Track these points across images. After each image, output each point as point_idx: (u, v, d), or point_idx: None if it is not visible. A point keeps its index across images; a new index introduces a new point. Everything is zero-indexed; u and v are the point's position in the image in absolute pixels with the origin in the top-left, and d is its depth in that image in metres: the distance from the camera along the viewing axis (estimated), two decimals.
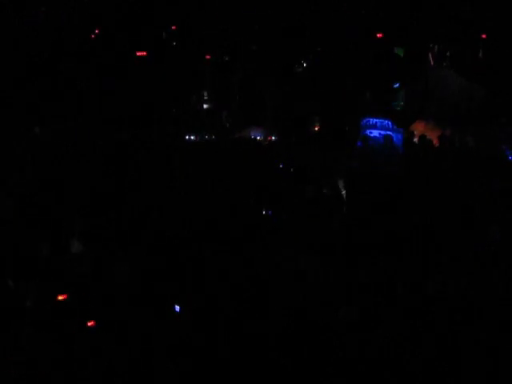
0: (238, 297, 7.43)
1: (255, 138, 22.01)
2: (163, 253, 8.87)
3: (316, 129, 23.28)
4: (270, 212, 10.46)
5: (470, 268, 7.76)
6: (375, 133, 15.39)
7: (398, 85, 19.96)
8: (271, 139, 21.94)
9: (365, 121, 15.66)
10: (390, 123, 15.44)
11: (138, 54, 21.56)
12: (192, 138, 22.39)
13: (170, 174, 13.53)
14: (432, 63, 20.81)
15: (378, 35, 19.49)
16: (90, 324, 6.98)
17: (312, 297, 7.32)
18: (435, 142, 16.91)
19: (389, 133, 15.26)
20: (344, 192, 10.98)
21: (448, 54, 20.39)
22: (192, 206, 11.00)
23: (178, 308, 7.29)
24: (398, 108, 21.87)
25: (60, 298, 7.36)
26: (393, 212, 10.14)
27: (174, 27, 21.73)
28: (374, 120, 15.58)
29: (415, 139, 16.86)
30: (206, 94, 25.82)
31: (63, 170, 13.21)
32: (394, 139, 15.23)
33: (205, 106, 26.03)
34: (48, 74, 17.51)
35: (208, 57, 23.65)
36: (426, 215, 9.93)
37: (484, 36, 18.46)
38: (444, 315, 6.94)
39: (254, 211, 10.61)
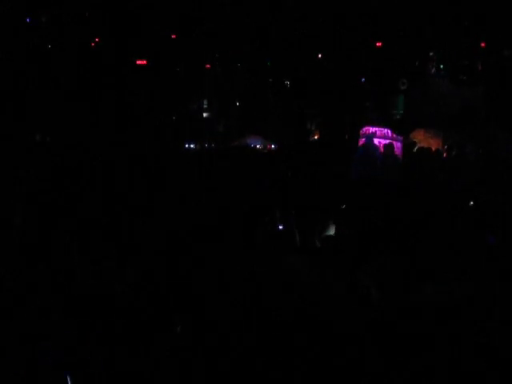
0: (238, 299, 7.41)
1: (255, 146, 22.10)
2: (163, 257, 8.87)
3: (316, 137, 23.39)
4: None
5: (468, 270, 7.76)
6: (374, 141, 15.40)
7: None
8: (271, 147, 22.04)
9: (364, 129, 15.69)
10: (389, 131, 15.47)
11: (138, 62, 21.64)
12: (192, 145, 22.52)
13: (169, 180, 13.58)
14: (431, 71, 20.90)
15: (378, 44, 19.58)
16: None
17: (312, 298, 7.30)
18: (434, 149, 16.97)
19: (388, 141, 15.29)
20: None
21: (447, 62, 20.48)
22: (190, 210, 11.03)
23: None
24: (398, 116, 21.94)
25: None
26: (392, 215, 10.16)
27: (173, 36, 21.80)
28: (374, 128, 15.60)
29: (415, 148, 16.89)
30: (206, 102, 25.98)
31: (63, 176, 13.24)
32: (394, 148, 15.26)
33: (205, 114, 26.18)
34: (48, 79, 17.56)
35: (208, 66, 23.75)
36: (426, 218, 9.96)
37: (483, 44, 18.56)
38: (443, 317, 6.92)
39: (251, 216, 10.61)
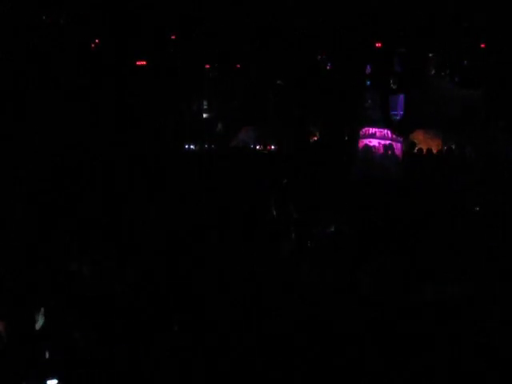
0: (238, 299, 7.42)
1: (254, 148, 22.06)
2: (163, 257, 8.88)
3: (315, 138, 23.34)
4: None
5: (468, 270, 7.77)
6: (374, 142, 15.37)
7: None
8: (271, 148, 22.00)
9: (364, 130, 15.63)
10: (389, 132, 15.42)
11: (137, 63, 21.62)
12: (191, 146, 22.50)
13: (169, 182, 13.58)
14: (432, 72, 20.85)
15: (378, 44, 19.54)
16: None
17: (312, 298, 7.31)
18: (435, 150, 16.98)
19: (388, 142, 15.26)
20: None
21: (447, 63, 20.44)
22: (190, 210, 11.04)
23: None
24: (397, 117, 21.89)
25: None
26: (392, 216, 10.17)
27: (173, 36, 21.78)
28: (373, 129, 15.55)
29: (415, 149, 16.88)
30: (205, 103, 25.93)
31: (63, 176, 13.23)
32: (394, 148, 15.23)
33: (204, 115, 26.14)
34: (47, 80, 17.54)
35: (208, 66, 23.72)
36: (426, 218, 9.97)
37: (483, 45, 18.53)
38: (443, 317, 6.93)
39: (251, 216, 10.62)
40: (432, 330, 6.67)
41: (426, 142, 18.22)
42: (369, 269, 7.68)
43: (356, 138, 15.91)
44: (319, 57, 21.14)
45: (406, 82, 20.17)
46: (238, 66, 23.06)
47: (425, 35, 18.44)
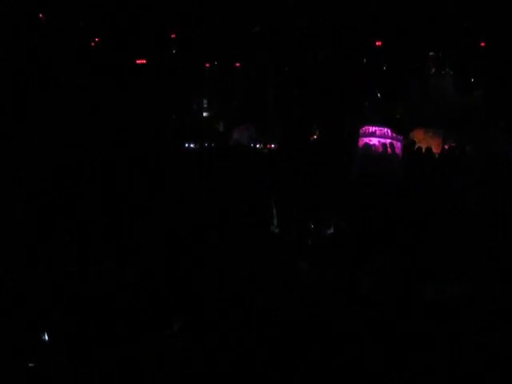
0: (238, 299, 7.42)
1: (255, 146, 22.05)
2: (163, 257, 8.88)
3: (315, 136, 23.33)
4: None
5: (468, 270, 7.77)
6: (374, 141, 15.35)
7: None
8: (271, 147, 21.99)
9: (364, 128, 15.61)
10: (389, 131, 15.38)
11: (137, 61, 21.62)
12: (191, 145, 22.50)
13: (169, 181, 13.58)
14: (432, 71, 20.85)
15: (378, 43, 19.53)
16: None
17: (312, 298, 7.31)
18: (435, 149, 16.97)
19: (388, 141, 15.24)
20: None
21: (447, 61, 20.43)
22: (190, 210, 11.04)
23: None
24: (397, 116, 21.87)
25: None
26: (392, 216, 10.16)
27: (173, 35, 21.77)
28: (373, 128, 15.52)
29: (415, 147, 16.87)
30: (205, 101, 25.97)
31: (63, 176, 13.22)
32: (394, 147, 15.21)
33: (204, 114, 26.16)
34: (46, 79, 17.54)
35: (207, 65, 23.73)
36: (426, 218, 9.96)
37: (483, 44, 18.52)
38: (443, 317, 6.93)
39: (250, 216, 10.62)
40: (432, 330, 6.66)
41: (425, 140, 18.23)
42: (369, 269, 7.67)
43: (356, 137, 15.87)
44: (319, 56, 21.12)
45: (405, 82, 20.20)
46: (238, 64, 23.11)
47: (425, 35, 18.43)
